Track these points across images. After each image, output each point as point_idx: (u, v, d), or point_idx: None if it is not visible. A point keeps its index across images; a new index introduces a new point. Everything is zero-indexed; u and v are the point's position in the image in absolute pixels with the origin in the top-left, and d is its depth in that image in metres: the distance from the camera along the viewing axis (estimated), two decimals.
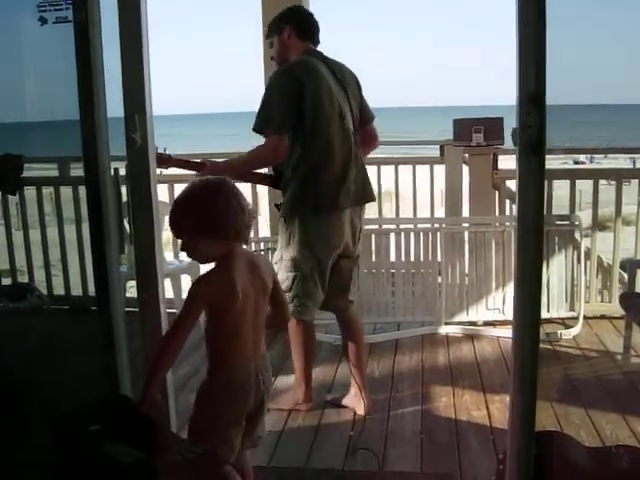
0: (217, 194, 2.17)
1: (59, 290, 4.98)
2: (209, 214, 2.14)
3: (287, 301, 3.26)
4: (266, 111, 3.23)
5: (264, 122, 3.22)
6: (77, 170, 4.57)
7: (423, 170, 5.69)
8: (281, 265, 3.34)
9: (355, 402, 3.56)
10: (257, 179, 3.63)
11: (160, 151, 2.91)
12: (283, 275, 3.31)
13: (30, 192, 4.81)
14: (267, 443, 3.18)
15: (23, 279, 4.91)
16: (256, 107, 3.27)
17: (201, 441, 2.22)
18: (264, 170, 3.66)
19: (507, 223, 4.81)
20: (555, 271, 4.67)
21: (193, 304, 2.15)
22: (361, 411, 3.53)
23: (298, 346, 3.47)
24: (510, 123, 2.26)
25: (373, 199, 3.59)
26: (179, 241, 2.27)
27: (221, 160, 3.51)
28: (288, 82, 3.24)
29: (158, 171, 2.46)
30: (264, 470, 2.98)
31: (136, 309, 2.62)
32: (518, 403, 2.30)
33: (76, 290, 4.95)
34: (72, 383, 3.57)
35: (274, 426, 3.37)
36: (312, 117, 3.23)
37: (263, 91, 3.29)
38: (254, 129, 3.24)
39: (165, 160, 3.08)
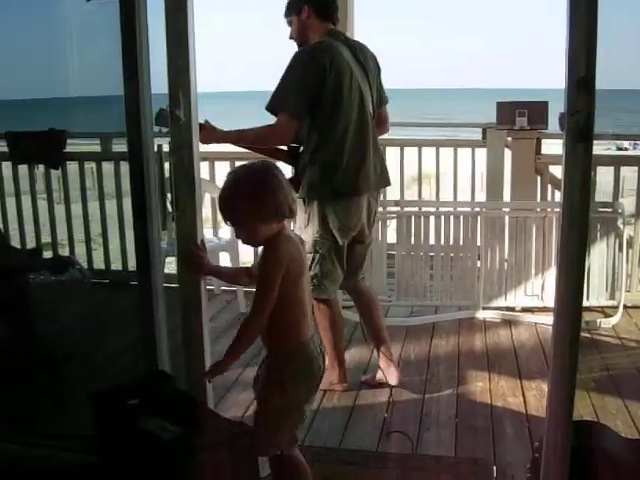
0: (269, 177, 2.19)
1: (99, 264, 5.04)
2: (267, 199, 2.16)
3: None
4: (283, 92, 3.21)
5: (279, 103, 3.20)
6: (119, 146, 4.62)
7: (464, 153, 5.63)
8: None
9: (384, 374, 3.58)
10: (269, 152, 3.50)
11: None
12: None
13: (72, 167, 4.86)
14: None
15: (64, 253, 4.97)
16: None
17: (276, 419, 2.26)
18: None
19: (549, 209, 4.75)
20: (596, 259, 4.61)
21: (277, 270, 2.15)
22: (393, 381, 3.55)
23: (324, 326, 3.48)
24: (555, 107, 2.22)
25: (389, 184, 3.63)
26: (219, 218, 2.29)
27: (225, 129, 3.37)
28: (309, 65, 3.21)
29: (200, 148, 2.46)
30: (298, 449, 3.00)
31: (173, 285, 2.63)
32: (556, 392, 2.28)
33: (116, 264, 5.01)
34: (111, 356, 3.64)
35: None
36: (332, 102, 3.22)
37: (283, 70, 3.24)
38: (267, 108, 3.22)
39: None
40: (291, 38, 3.45)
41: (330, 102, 3.21)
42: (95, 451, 2.44)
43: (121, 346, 3.56)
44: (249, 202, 2.16)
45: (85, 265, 4.72)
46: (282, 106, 3.19)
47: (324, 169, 3.27)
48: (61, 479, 2.54)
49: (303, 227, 3.34)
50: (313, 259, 3.34)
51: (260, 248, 2.29)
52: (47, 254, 4.84)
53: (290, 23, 3.43)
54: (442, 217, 4.73)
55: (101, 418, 2.30)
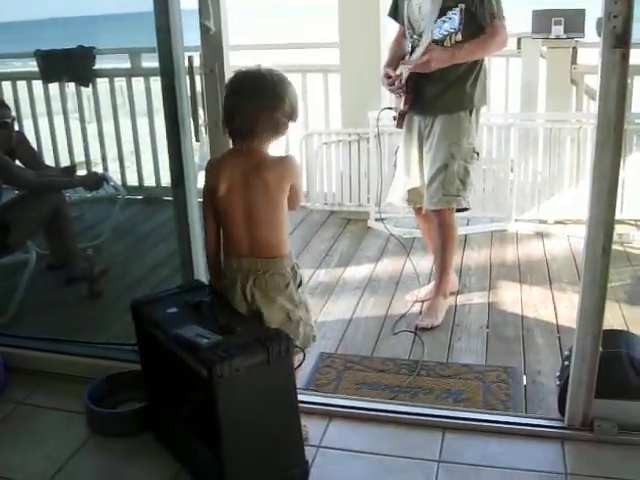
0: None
1: (132, 181, 5.08)
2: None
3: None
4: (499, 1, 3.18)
5: (500, 11, 3.18)
6: (148, 62, 4.59)
7: (499, 63, 5.51)
8: (458, 155, 3.29)
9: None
10: None
11: None
12: (460, 165, 3.29)
13: (102, 85, 4.84)
14: (336, 331, 3.32)
15: (98, 171, 5.01)
16: None
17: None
18: None
19: (584, 120, 4.66)
20: (631, 171, 4.53)
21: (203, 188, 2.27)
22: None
23: (453, 236, 3.49)
24: (593, 16, 2.17)
25: None
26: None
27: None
28: None
29: (231, 62, 2.44)
30: (331, 357, 3.08)
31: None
32: (587, 301, 2.30)
33: (149, 181, 5.04)
34: (149, 269, 3.71)
35: (343, 315, 3.50)
36: None
37: None
38: (492, 18, 3.15)
39: None
40: None
41: None
42: (136, 359, 2.53)
43: (158, 259, 3.63)
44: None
45: (119, 182, 4.75)
46: (500, 13, 3.18)
47: (482, 79, 3.29)
48: (104, 386, 2.64)
49: (461, 138, 3.28)
50: (467, 169, 3.31)
51: None
52: (82, 173, 4.88)
53: None
54: None
55: (140, 326, 2.37)
